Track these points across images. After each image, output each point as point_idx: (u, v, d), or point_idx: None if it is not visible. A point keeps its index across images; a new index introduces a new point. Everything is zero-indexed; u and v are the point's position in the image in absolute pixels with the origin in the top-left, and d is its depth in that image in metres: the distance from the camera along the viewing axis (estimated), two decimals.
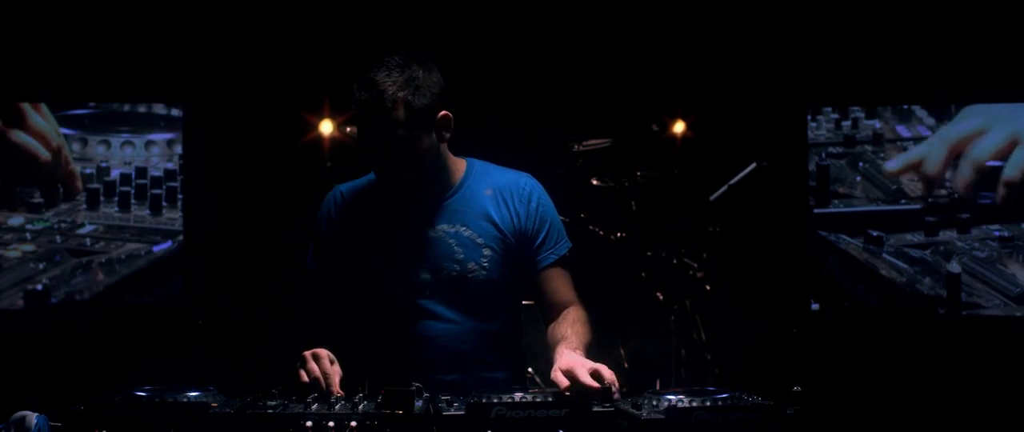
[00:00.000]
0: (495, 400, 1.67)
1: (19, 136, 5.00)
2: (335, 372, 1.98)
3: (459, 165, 2.36)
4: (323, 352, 1.98)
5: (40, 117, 5.03)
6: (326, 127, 4.78)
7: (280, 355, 2.16)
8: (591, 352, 2.12)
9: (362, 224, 2.34)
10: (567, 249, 2.38)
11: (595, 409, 1.71)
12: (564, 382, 1.88)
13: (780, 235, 5.11)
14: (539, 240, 2.33)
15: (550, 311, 2.34)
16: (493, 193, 2.33)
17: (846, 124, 5.21)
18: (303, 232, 2.50)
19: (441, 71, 2.23)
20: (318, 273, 2.37)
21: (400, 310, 2.29)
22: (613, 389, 1.81)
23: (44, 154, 5.01)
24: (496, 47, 4.91)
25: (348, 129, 4.47)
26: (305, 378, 1.94)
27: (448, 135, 2.26)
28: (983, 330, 5.00)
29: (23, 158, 5.00)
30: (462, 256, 2.27)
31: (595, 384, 1.80)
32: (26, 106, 5.02)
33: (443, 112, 2.21)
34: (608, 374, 1.84)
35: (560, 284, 2.35)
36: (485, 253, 2.28)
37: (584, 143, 4.52)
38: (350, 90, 2.16)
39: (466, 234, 2.29)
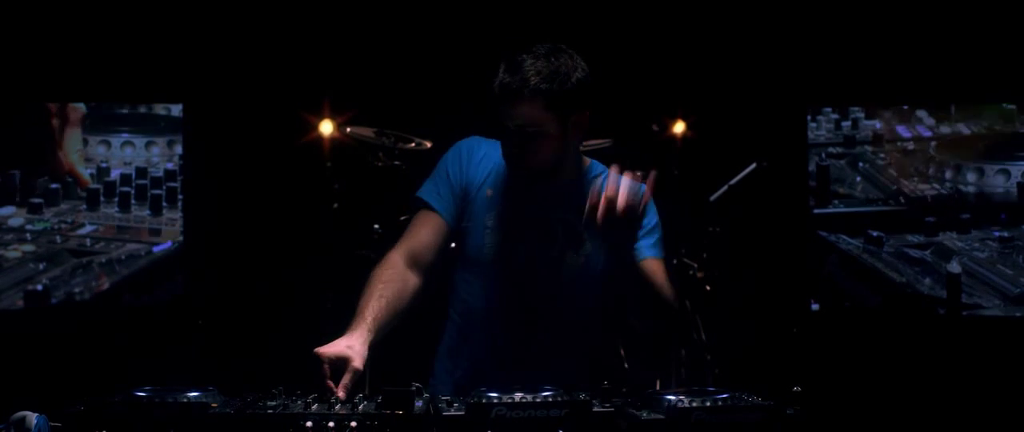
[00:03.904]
0: (495, 400, 1.67)
1: None
2: (352, 368, 1.96)
3: (583, 161, 2.40)
4: (330, 354, 1.96)
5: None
6: (326, 127, 4.76)
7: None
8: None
9: (481, 179, 2.34)
10: (663, 255, 2.34)
11: (595, 409, 1.71)
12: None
13: (780, 235, 5.10)
14: (644, 231, 2.31)
15: None
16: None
17: (846, 124, 5.21)
18: (305, 232, 2.49)
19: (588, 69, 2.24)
20: (426, 205, 2.35)
21: (490, 276, 2.29)
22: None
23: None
24: (495, 47, 4.90)
25: (348, 129, 4.45)
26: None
27: (581, 135, 2.28)
28: (983, 330, 5.00)
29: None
30: (562, 242, 2.28)
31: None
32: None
33: (582, 113, 2.23)
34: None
35: (661, 277, 2.30)
36: (586, 246, 2.28)
37: (584, 143, 4.50)
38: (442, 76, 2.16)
39: (573, 223, 2.29)
